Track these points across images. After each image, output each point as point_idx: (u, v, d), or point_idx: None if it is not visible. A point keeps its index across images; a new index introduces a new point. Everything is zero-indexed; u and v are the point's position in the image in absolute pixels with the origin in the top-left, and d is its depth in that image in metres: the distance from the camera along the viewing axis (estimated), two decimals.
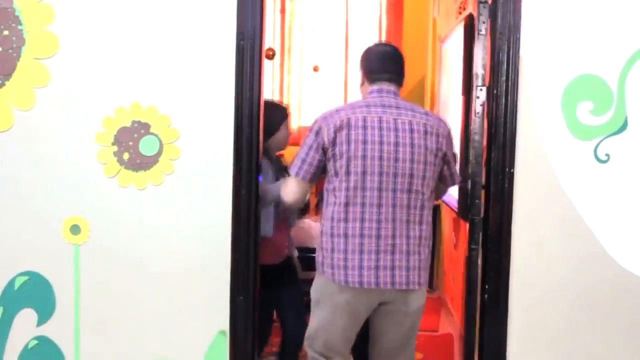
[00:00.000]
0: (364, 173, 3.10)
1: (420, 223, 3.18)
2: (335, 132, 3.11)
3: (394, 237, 3.13)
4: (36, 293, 3.42)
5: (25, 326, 3.43)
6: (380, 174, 3.09)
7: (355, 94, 7.40)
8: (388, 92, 3.25)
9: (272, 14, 7.63)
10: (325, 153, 3.17)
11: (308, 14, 7.84)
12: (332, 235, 3.17)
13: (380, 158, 3.09)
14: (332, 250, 3.18)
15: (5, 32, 3.34)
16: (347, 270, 3.13)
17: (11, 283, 3.42)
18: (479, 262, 3.47)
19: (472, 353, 3.56)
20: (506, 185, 3.31)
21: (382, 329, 3.31)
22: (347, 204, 3.12)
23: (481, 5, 3.46)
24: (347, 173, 3.11)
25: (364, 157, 3.09)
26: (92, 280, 3.39)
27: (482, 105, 3.47)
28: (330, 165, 3.17)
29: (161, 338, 3.30)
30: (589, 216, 3.29)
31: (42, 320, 3.43)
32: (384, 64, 3.30)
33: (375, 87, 3.26)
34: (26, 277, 3.42)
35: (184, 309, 3.34)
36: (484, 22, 3.46)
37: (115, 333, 3.37)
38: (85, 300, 3.41)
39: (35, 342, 3.44)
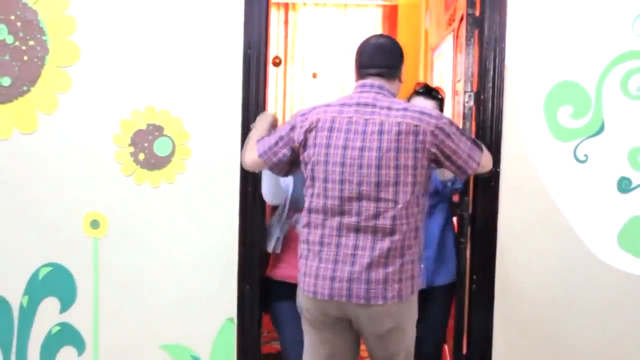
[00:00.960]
0: (325, 180, 2.70)
1: (392, 234, 2.66)
2: (305, 134, 2.75)
3: (355, 247, 2.67)
4: (59, 283, 3.43)
5: (49, 313, 3.45)
6: (342, 181, 2.66)
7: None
8: (371, 86, 2.78)
9: (276, 25, 7.66)
10: (295, 152, 2.82)
11: (309, 25, 7.86)
12: (301, 241, 2.83)
13: (342, 164, 2.67)
14: (299, 256, 2.84)
15: (31, 42, 3.35)
16: (305, 278, 2.76)
17: (36, 273, 3.43)
18: (468, 254, 3.47)
19: (461, 338, 3.56)
20: (492, 184, 3.30)
21: (368, 350, 2.89)
22: (310, 210, 2.76)
23: (469, 17, 3.46)
24: (312, 179, 2.74)
25: (326, 162, 2.69)
26: (109, 271, 3.40)
27: (470, 109, 3.46)
28: (303, 168, 2.83)
29: (173, 325, 3.32)
30: (568, 212, 3.27)
31: (64, 308, 3.44)
32: (373, 58, 2.84)
33: (360, 82, 2.83)
34: (50, 268, 3.43)
35: (195, 298, 3.34)
36: (471, 33, 3.47)
37: (131, 319, 3.38)
38: (103, 290, 3.42)
39: (58, 328, 3.45)
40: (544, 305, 3.33)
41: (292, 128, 2.82)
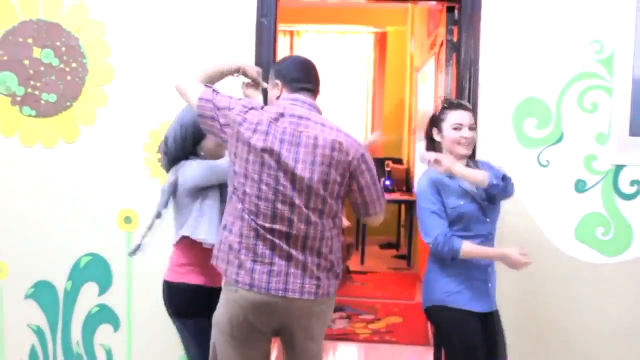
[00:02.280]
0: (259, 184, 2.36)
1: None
2: (239, 126, 2.34)
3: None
4: (97, 270, 3.44)
5: (89, 296, 3.45)
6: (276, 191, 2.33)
7: (334, 114, 7.45)
8: (303, 102, 2.42)
9: (283, 49, 7.66)
10: (217, 128, 2.41)
11: (311, 49, 7.87)
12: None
13: (276, 177, 2.32)
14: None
15: (73, 64, 3.37)
16: None
17: (78, 262, 3.43)
18: None
19: None
20: None
21: None
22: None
23: (448, 42, 3.48)
24: (245, 176, 2.36)
25: (261, 170, 2.33)
26: (140, 260, 3.34)
27: None
28: (231, 156, 2.42)
29: None
30: (533, 209, 3.26)
31: (102, 291, 3.45)
32: (307, 75, 2.50)
33: (291, 96, 2.44)
34: (89, 257, 3.43)
35: None
36: (450, 56, 3.48)
37: (160, 300, 3.32)
38: (135, 275, 3.42)
39: (97, 308, 3.46)
40: (512, 291, 3.25)
41: (231, 109, 2.39)
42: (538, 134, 3.24)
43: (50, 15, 3.35)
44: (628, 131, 3.25)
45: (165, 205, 2.68)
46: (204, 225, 2.61)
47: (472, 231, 2.61)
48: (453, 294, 2.62)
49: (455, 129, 2.62)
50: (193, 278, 2.65)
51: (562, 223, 3.27)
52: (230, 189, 2.42)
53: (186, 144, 2.66)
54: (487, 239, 2.67)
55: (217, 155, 2.69)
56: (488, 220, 2.66)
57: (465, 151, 2.64)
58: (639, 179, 3.26)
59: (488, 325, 2.68)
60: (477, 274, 2.65)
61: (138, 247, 2.72)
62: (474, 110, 3.22)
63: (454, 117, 2.64)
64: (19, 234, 3.44)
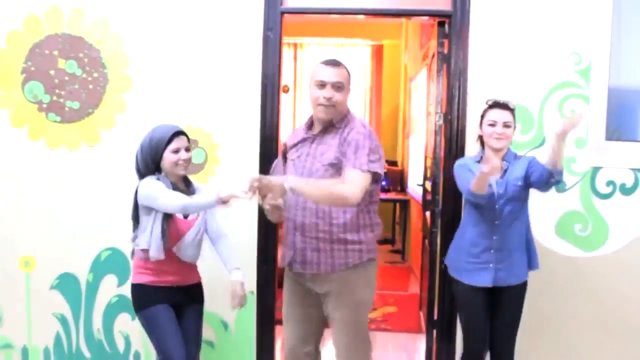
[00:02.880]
0: None
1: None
2: None
3: None
4: (116, 263, 3.44)
5: (108, 287, 3.46)
6: None
7: None
8: None
9: (287, 61, 7.65)
10: None
11: (313, 61, 7.86)
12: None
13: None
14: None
15: (95, 74, 3.38)
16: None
17: (99, 256, 3.45)
18: (438, 240, 3.46)
19: (432, 307, 3.57)
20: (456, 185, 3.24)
21: None
22: None
23: (439, 54, 3.49)
24: None
25: None
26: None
27: (440, 126, 3.47)
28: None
29: (208, 296, 3.00)
30: None
31: (120, 283, 3.45)
32: None
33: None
34: (109, 252, 3.44)
35: (224, 275, 3.03)
36: (441, 67, 3.48)
37: None
38: None
39: (116, 298, 3.46)
40: None
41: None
42: (522, 138, 3.24)
43: (74, 29, 3.37)
44: (604, 136, 3.28)
45: (135, 217, 2.76)
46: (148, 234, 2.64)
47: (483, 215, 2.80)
48: (460, 270, 2.88)
49: (490, 125, 2.80)
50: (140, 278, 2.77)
51: (543, 220, 3.28)
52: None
53: (148, 164, 2.68)
54: (493, 224, 2.79)
55: (174, 174, 2.68)
56: (497, 206, 2.77)
57: (497, 144, 2.79)
58: (615, 180, 3.28)
59: (495, 301, 2.84)
60: (479, 252, 2.81)
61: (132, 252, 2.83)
62: (462, 117, 3.28)
63: (490, 115, 2.82)
64: (44, 230, 3.44)
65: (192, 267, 2.82)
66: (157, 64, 3.38)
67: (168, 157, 2.64)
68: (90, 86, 3.38)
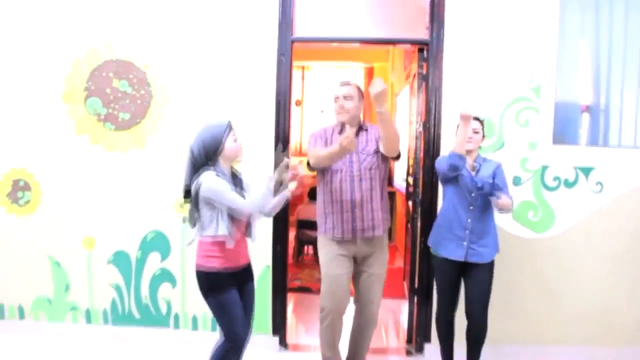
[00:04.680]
0: None
1: None
2: None
3: None
4: (160, 243, 3.45)
5: (154, 262, 3.47)
6: None
7: None
8: None
9: (296, 80, 7.66)
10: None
11: (317, 79, 7.89)
12: None
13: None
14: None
15: (142, 92, 3.39)
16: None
17: (145, 237, 3.46)
18: (418, 224, 3.46)
19: (413, 277, 3.56)
20: (433, 180, 3.29)
21: None
22: None
23: (419, 74, 3.47)
24: None
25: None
26: (191, 236, 3.36)
27: (420, 133, 3.47)
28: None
29: None
30: None
31: (163, 258, 3.46)
32: None
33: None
34: (154, 234, 3.45)
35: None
36: (420, 85, 3.47)
37: None
38: (188, 248, 3.35)
39: (159, 271, 3.47)
40: None
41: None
42: (485, 143, 3.22)
43: (125, 55, 3.38)
44: (552, 140, 3.29)
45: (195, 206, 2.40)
46: (216, 224, 2.38)
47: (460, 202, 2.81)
48: (439, 246, 2.89)
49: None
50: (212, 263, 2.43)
51: None
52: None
53: (209, 153, 2.37)
54: (468, 209, 2.79)
55: (232, 160, 2.45)
56: (473, 194, 2.79)
57: (470, 146, 2.80)
58: (560, 176, 3.29)
59: (467, 275, 2.83)
60: (455, 231, 2.81)
61: (192, 241, 2.52)
62: (438, 125, 3.28)
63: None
64: (103, 216, 3.46)
65: (247, 248, 2.55)
66: (190, 83, 3.38)
67: (230, 146, 2.38)
68: (138, 101, 3.40)
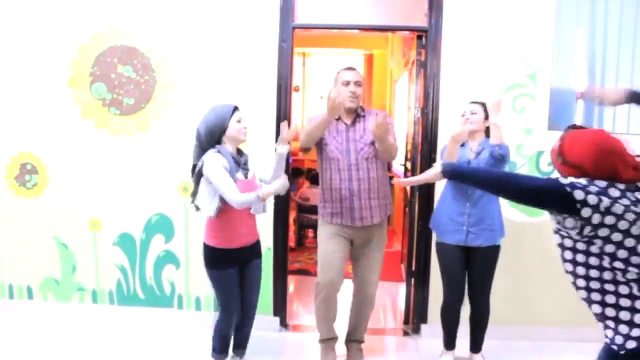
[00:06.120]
0: None
1: None
2: None
3: None
4: (164, 225, 3.47)
5: (158, 244, 3.50)
6: None
7: None
8: None
9: (297, 67, 7.63)
10: None
11: (317, 66, 7.87)
12: None
13: None
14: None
15: (146, 77, 3.40)
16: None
17: (150, 219, 3.48)
18: (416, 208, 3.47)
19: (411, 260, 3.58)
20: (431, 164, 3.14)
21: None
22: None
23: (418, 61, 3.47)
24: None
25: None
26: (194, 220, 3.41)
27: (418, 118, 3.48)
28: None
29: None
30: None
31: (167, 241, 3.49)
32: None
33: None
34: (158, 216, 3.48)
35: None
36: (419, 71, 3.47)
37: None
38: (191, 230, 3.44)
39: (164, 253, 3.50)
40: None
41: None
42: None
43: (130, 41, 3.38)
44: (547, 126, 3.30)
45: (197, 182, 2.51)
46: (208, 204, 2.46)
47: (460, 187, 2.80)
48: (440, 231, 2.89)
49: (462, 115, 2.85)
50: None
51: None
52: None
53: (214, 134, 2.46)
54: (467, 194, 2.79)
55: (237, 141, 2.52)
56: None
57: (470, 126, 2.81)
58: None
59: (469, 258, 2.83)
60: (455, 216, 2.81)
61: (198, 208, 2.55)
62: (435, 111, 3.29)
63: (464, 107, 2.90)
64: (109, 199, 3.49)
65: (255, 226, 2.63)
66: (194, 69, 3.38)
67: (234, 126, 2.47)
68: (143, 86, 3.40)
